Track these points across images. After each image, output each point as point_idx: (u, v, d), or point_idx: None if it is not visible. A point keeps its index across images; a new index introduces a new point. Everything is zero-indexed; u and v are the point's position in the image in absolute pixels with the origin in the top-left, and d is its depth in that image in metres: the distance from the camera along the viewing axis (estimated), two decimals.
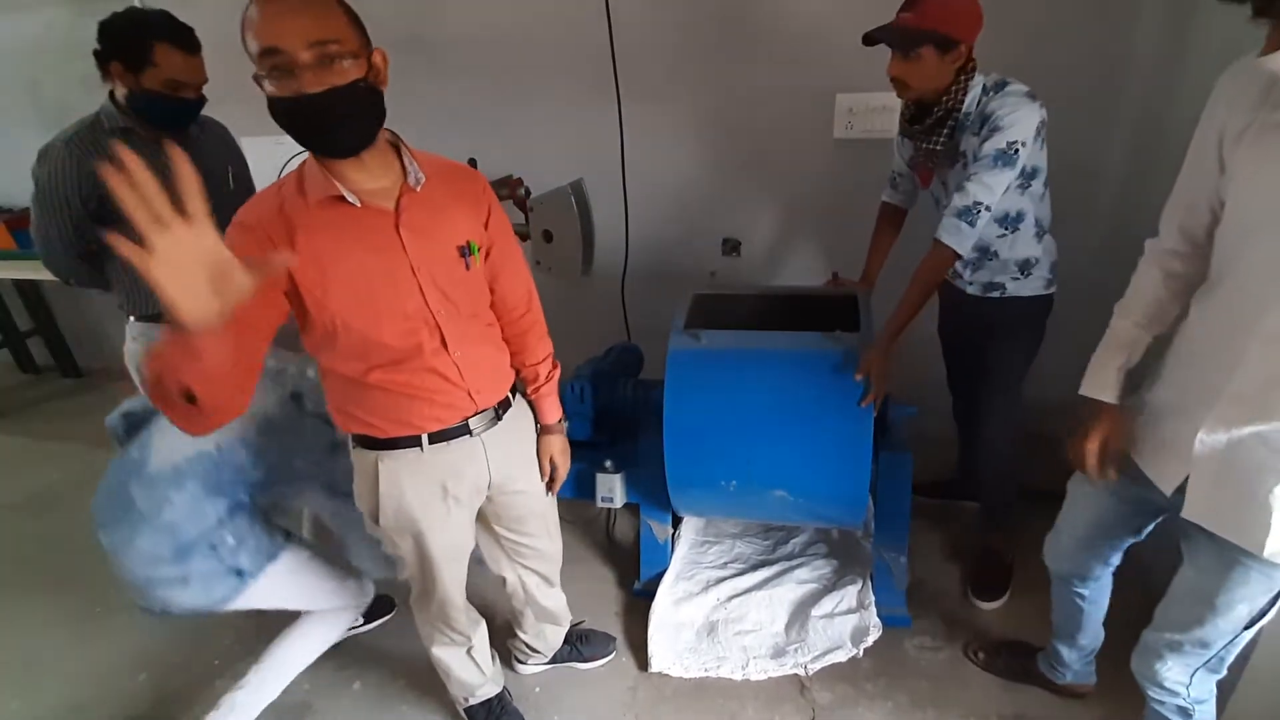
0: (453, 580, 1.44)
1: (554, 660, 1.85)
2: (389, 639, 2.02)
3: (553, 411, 1.47)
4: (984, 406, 1.88)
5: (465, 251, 1.19)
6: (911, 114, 1.68)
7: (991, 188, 1.54)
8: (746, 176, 2.52)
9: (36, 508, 2.74)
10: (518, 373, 1.43)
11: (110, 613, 2.17)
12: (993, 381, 1.85)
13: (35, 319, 3.75)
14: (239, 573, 1.42)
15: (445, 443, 1.27)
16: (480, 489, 1.38)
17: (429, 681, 1.78)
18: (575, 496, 2.05)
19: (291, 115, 0.98)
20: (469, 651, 1.58)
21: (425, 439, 1.25)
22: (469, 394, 1.27)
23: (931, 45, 1.51)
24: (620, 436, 2.12)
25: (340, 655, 1.97)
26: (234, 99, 2.42)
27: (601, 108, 2.42)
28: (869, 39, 1.56)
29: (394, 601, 2.07)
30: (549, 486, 1.52)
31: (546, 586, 1.70)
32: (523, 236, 2.21)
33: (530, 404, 1.48)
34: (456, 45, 2.55)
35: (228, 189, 1.87)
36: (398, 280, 1.14)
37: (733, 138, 2.46)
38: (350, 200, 1.07)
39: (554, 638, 1.81)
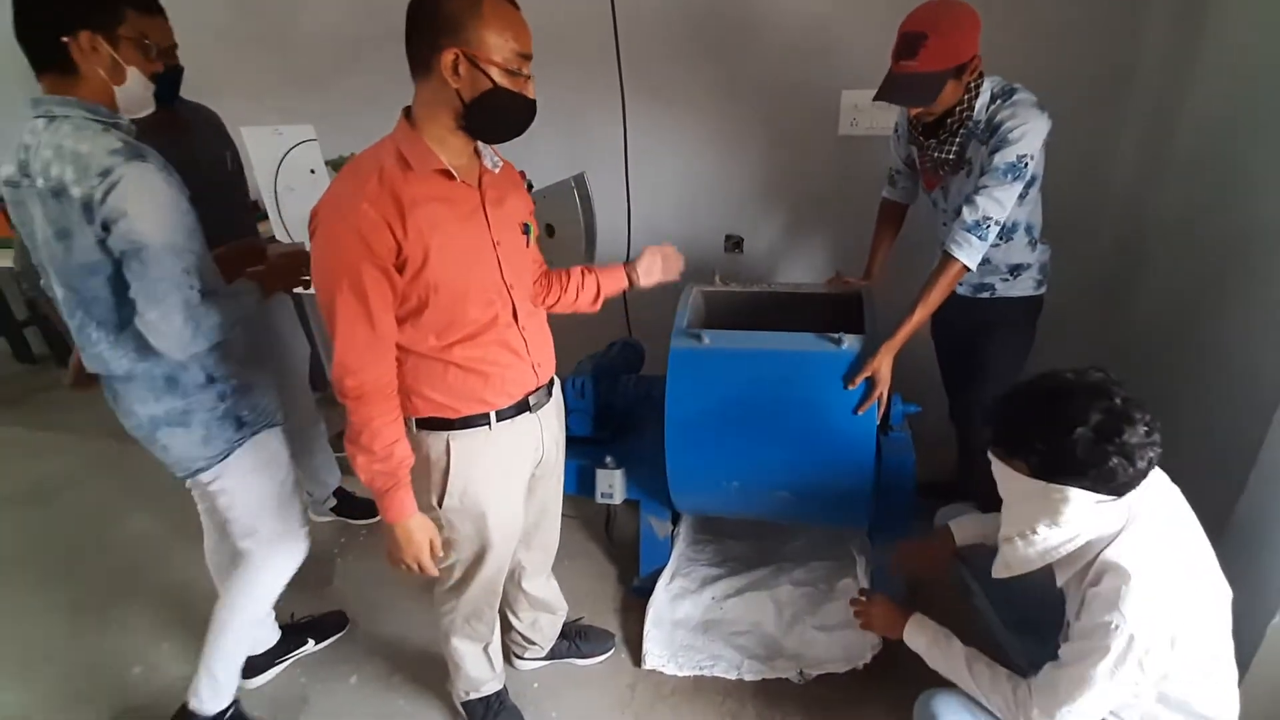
0: (502, 566, 1.47)
1: (552, 655, 1.85)
2: (387, 632, 2.02)
3: (619, 272, 1.57)
4: (977, 409, 1.87)
5: (525, 230, 1.33)
6: (924, 127, 1.67)
7: (1001, 202, 1.54)
8: (750, 172, 2.50)
9: (33, 499, 2.72)
10: (576, 293, 1.53)
11: (106, 604, 2.16)
12: (985, 383, 1.84)
13: (32, 309, 3.73)
14: (240, 422, 1.45)
15: (511, 419, 1.32)
16: (533, 465, 1.44)
17: (426, 675, 1.78)
18: (575, 492, 2.03)
19: (511, 109, 1.15)
20: (486, 648, 1.59)
21: (494, 416, 1.30)
22: (533, 367, 1.35)
23: (950, 79, 1.50)
24: (621, 432, 2.11)
25: (336, 649, 1.97)
26: (233, 92, 2.42)
27: (605, 101, 2.40)
28: (883, 98, 1.55)
29: (347, 618, 2.05)
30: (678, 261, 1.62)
31: (537, 575, 1.71)
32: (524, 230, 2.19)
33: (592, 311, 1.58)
34: None
35: (227, 170, 1.88)
36: (482, 252, 1.23)
37: (737, 133, 2.45)
38: (453, 174, 1.17)
39: (549, 628, 1.81)
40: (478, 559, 1.42)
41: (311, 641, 1.95)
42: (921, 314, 1.63)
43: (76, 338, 1.35)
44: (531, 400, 1.36)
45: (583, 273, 1.54)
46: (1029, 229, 1.72)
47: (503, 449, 1.34)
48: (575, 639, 1.87)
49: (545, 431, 1.43)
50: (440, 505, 1.33)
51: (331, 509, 2.45)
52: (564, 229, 2.09)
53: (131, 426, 1.43)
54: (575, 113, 2.52)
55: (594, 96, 2.43)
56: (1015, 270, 1.76)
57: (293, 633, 1.93)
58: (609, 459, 1.95)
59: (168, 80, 1.61)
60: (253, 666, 1.86)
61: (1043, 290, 1.81)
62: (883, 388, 1.63)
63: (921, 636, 1.37)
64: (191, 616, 2.08)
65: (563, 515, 2.32)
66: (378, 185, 1.10)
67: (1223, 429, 1.63)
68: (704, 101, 2.43)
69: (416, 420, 1.28)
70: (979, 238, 1.56)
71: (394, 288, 1.15)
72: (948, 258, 1.60)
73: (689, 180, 2.56)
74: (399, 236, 1.11)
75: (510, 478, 1.40)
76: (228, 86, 2.34)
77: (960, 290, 1.79)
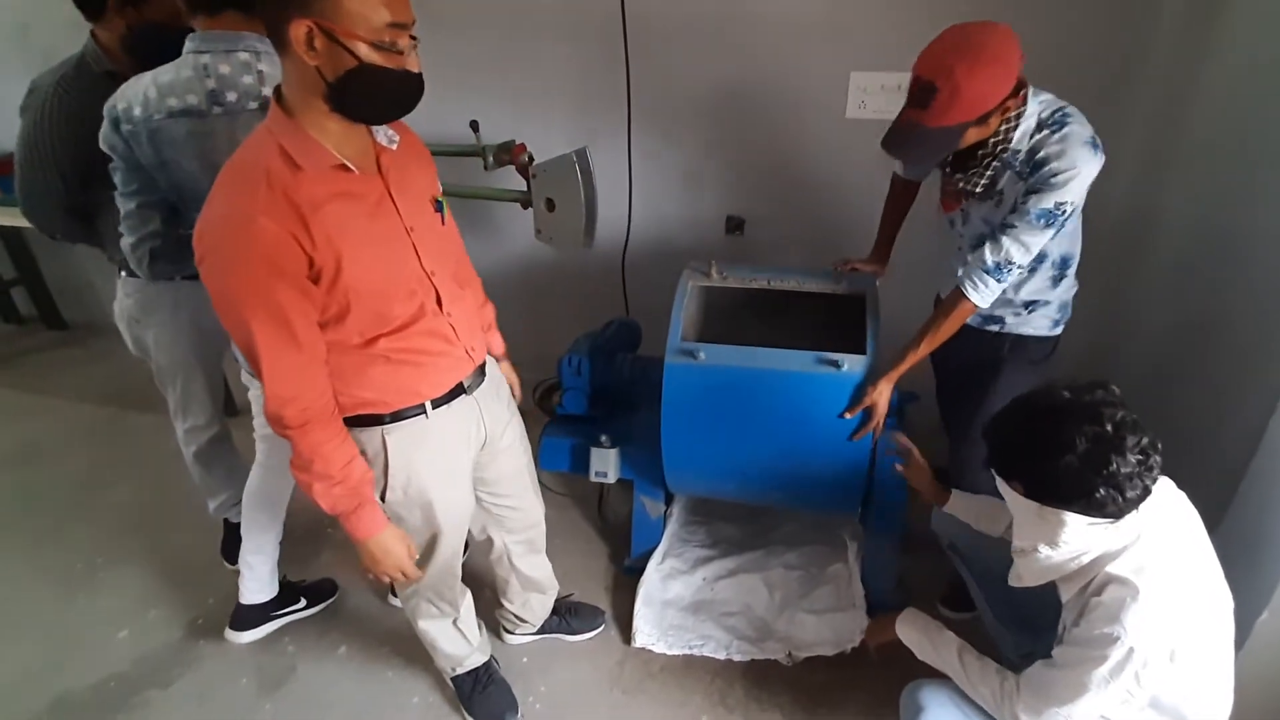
0: (455, 549, 1.44)
1: (542, 631, 1.85)
2: (376, 605, 2.02)
3: (501, 342, 1.53)
4: (967, 446, 1.67)
5: (438, 207, 1.23)
6: (954, 158, 1.46)
7: (1029, 247, 1.39)
8: (754, 153, 2.46)
9: (18, 461, 2.69)
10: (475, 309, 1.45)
11: (92, 569, 2.15)
12: (980, 421, 1.70)
13: (19, 268, 3.66)
14: None
15: (447, 405, 1.27)
16: (477, 448, 1.39)
17: (415, 648, 1.77)
18: (570, 470, 2.03)
19: (385, 88, 1.00)
20: (455, 623, 1.58)
21: (429, 405, 1.24)
22: (466, 352, 1.29)
23: (971, 128, 1.32)
24: (616, 412, 2.10)
25: (325, 620, 1.97)
26: None
27: (609, 77, 2.35)
28: (887, 149, 1.40)
29: (336, 585, 2.05)
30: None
31: (531, 554, 1.70)
32: (524, 204, 2.16)
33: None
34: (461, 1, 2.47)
35: None
36: (397, 244, 1.14)
37: (742, 113, 2.41)
38: (350, 168, 1.05)
39: (540, 607, 1.81)
40: (430, 546, 1.38)
41: (304, 601, 1.95)
42: (926, 348, 1.56)
43: None
44: (466, 383, 1.30)
45: (491, 317, 1.50)
46: (1060, 263, 1.52)
47: (441, 435, 1.28)
48: (566, 615, 1.87)
49: (485, 413, 1.37)
50: (384, 500, 1.27)
51: None
52: (564, 204, 2.06)
53: None
54: (579, 88, 2.48)
55: (598, 72, 2.38)
56: (1030, 306, 1.57)
57: (288, 590, 1.93)
58: (604, 438, 1.94)
59: (178, 43, 1.60)
60: (248, 620, 1.88)
61: (1058, 331, 1.62)
62: (879, 418, 1.59)
63: (912, 629, 1.37)
64: (180, 583, 2.08)
65: (555, 493, 2.34)
66: (268, 192, 0.97)
67: (1219, 432, 1.64)
68: (710, 80, 2.38)
69: (345, 420, 1.19)
70: (997, 280, 1.43)
71: (314, 302, 1.05)
72: (959, 295, 1.48)
73: (692, 159, 2.51)
74: (308, 249, 1.00)
75: (452, 461, 1.33)
76: None
77: (969, 320, 1.64)
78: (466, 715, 1.67)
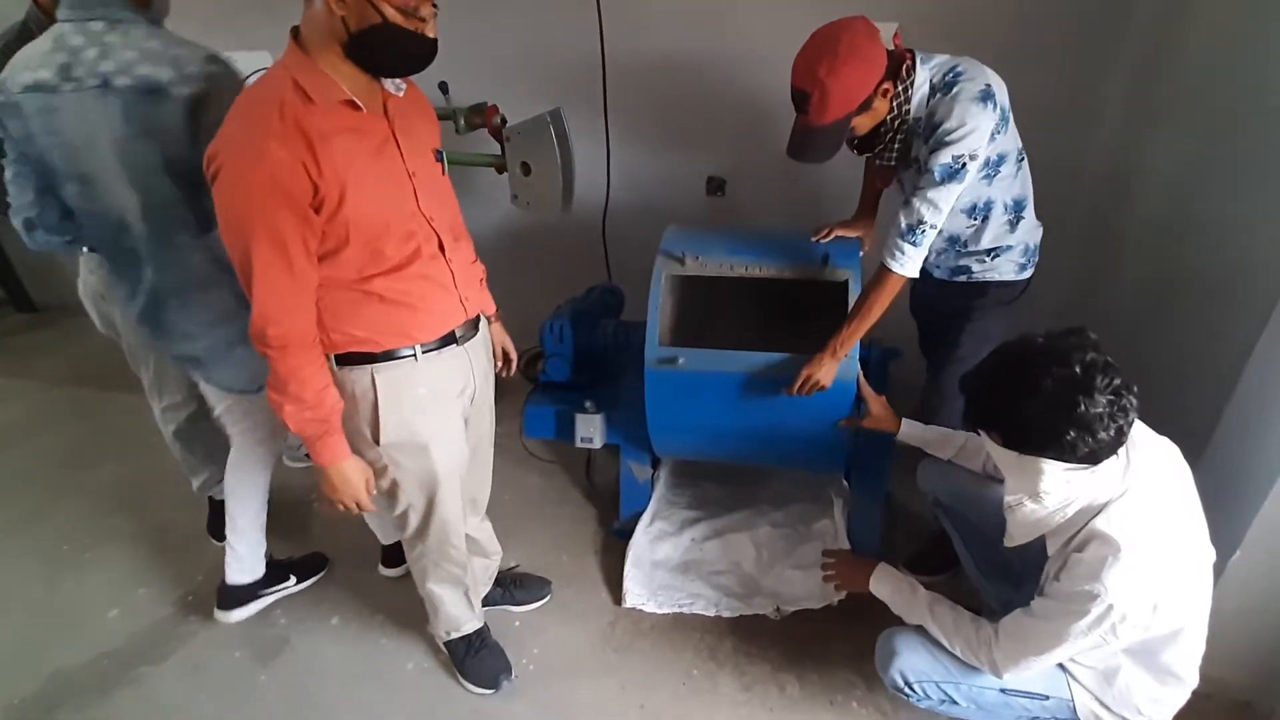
0: (455, 499, 1.46)
1: (486, 603, 1.81)
2: (367, 574, 2.02)
3: (492, 301, 1.55)
4: (936, 395, 1.74)
5: (439, 157, 1.27)
6: (860, 141, 1.54)
7: (937, 205, 1.43)
8: (735, 111, 2.42)
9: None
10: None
11: (78, 550, 2.14)
12: (953, 368, 1.70)
13: None
14: None
15: (437, 351, 1.30)
16: (468, 400, 1.42)
17: (408, 615, 1.80)
18: (555, 437, 2.03)
19: (404, 45, 1.08)
20: (465, 592, 1.60)
21: (419, 349, 1.27)
22: (461, 300, 1.32)
23: (856, 116, 1.41)
24: (600, 378, 2.09)
25: (317, 591, 1.98)
26: (182, 16, 2.27)
27: (583, 33, 2.28)
28: (792, 156, 1.49)
29: (326, 558, 2.06)
30: (508, 368, 1.64)
31: (473, 515, 1.70)
32: (499, 168, 2.11)
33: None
34: None
35: None
36: (398, 183, 1.18)
37: (722, 70, 2.35)
38: (359, 105, 1.11)
39: (483, 573, 1.79)
40: (430, 500, 1.40)
41: (294, 578, 1.96)
42: (862, 327, 1.55)
43: (149, 245, 1.41)
44: (458, 333, 1.33)
45: (483, 275, 1.50)
46: (1012, 206, 1.55)
47: (431, 380, 1.31)
48: (510, 587, 1.87)
49: (474, 366, 1.40)
50: (379, 442, 1.30)
51: (306, 455, 2.42)
52: (540, 167, 2.02)
53: (201, 349, 1.51)
54: (551, 45, 2.40)
55: (571, 27, 2.31)
56: (993, 252, 1.60)
57: (276, 569, 1.93)
58: (588, 404, 1.93)
59: None
60: (237, 599, 1.87)
61: (1027, 274, 1.65)
62: (815, 388, 1.60)
63: (886, 586, 1.40)
64: (168, 561, 2.08)
65: (542, 460, 2.34)
66: (280, 121, 1.03)
67: (1194, 380, 1.66)
68: (688, 35, 2.32)
69: (337, 357, 1.24)
70: (912, 244, 1.45)
71: (313, 230, 1.09)
72: (883, 269, 1.50)
73: (671, 118, 2.46)
74: (314, 176, 1.05)
75: (445, 408, 1.36)
76: (176, 11, 2.19)
77: (936, 274, 1.69)
78: (461, 679, 1.69)
